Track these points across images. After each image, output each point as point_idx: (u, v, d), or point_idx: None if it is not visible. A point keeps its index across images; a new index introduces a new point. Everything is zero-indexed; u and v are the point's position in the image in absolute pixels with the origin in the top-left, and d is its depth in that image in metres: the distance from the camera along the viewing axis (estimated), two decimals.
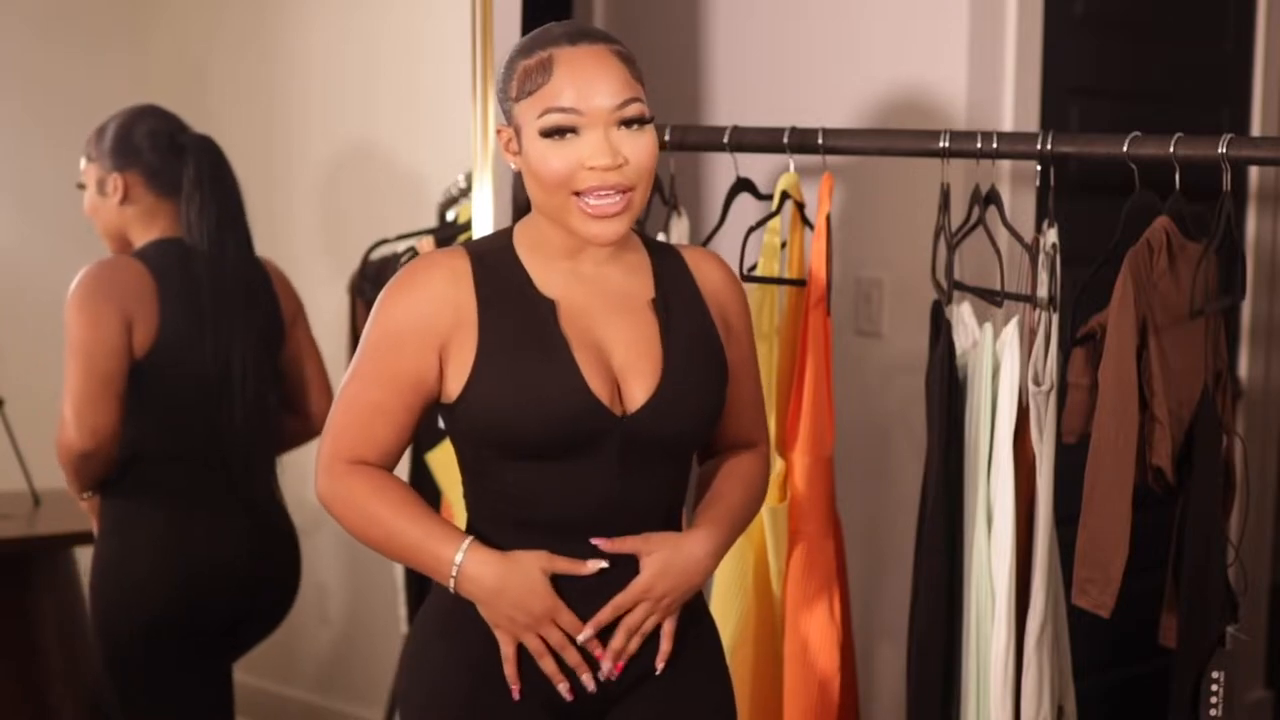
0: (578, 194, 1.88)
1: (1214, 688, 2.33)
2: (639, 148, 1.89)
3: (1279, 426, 3.96)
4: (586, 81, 1.88)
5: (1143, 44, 3.56)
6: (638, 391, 1.94)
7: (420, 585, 3.17)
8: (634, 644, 1.94)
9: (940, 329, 2.43)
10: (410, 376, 1.93)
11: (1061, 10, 3.28)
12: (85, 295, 2.70)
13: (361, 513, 1.95)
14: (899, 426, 3.10)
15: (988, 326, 2.42)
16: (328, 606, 3.12)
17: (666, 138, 2.75)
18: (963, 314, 2.49)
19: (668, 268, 2.04)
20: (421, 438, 3.13)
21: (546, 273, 1.96)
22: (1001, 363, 2.38)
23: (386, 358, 1.93)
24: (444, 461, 3.02)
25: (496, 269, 1.96)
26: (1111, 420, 2.31)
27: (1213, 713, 2.33)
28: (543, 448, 1.91)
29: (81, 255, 2.86)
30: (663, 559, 1.93)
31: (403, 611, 3.29)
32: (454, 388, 1.92)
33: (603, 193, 1.88)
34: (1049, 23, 3.22)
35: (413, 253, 3.06)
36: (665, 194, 2.84)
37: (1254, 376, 3.85)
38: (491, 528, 1.95)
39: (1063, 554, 2.43)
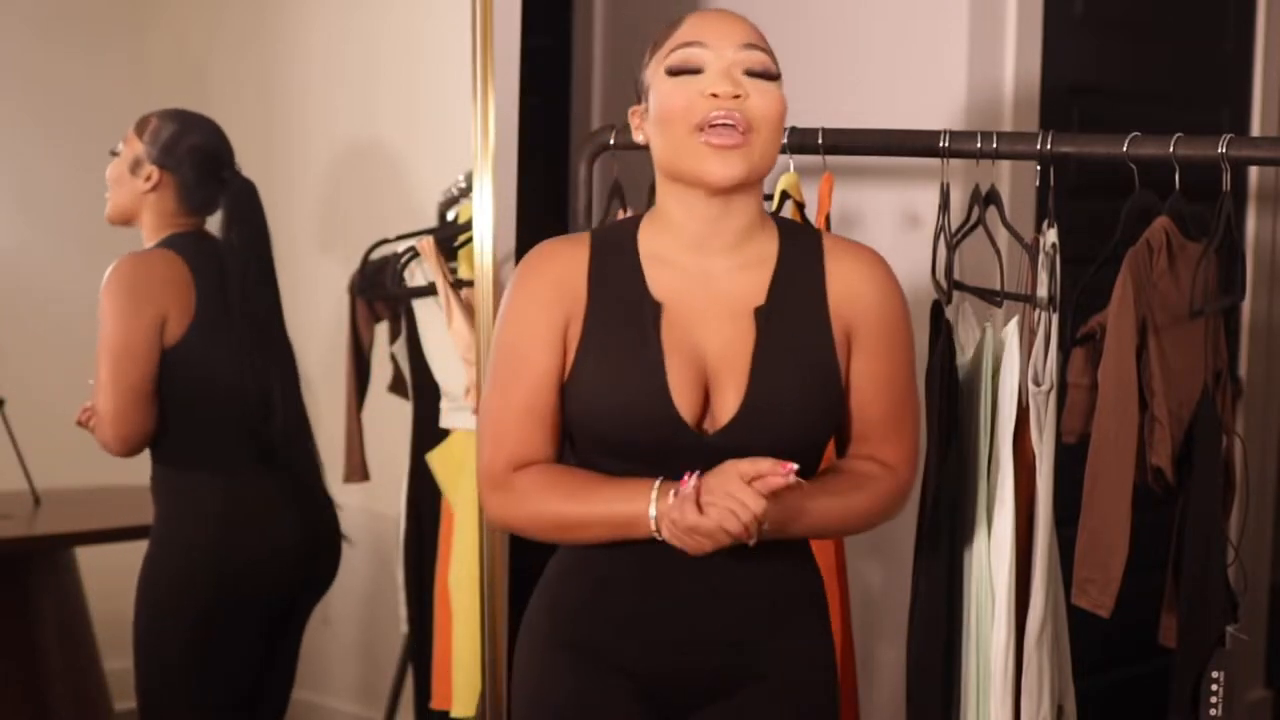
0: (698, 128, 1.86)
1: (1214, 688, 2.33)
2: (763, 94, 1.88)
3: (1279, 426, 3.96)
4: (714, 23, 1.90)
5: (1143, 44, 3.56)
6: (725, 407, 1.90)
7: (421, 586, 3.17)
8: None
9: (940, 329, 2.43)
10: (544, 371, 1.92)
11: (1061, 10, 3.28)
12: (121, 294, 2.75)
13: (541, 511, 1.91)
14: None
15: (988, 326, 2.42)
16: (328, 607, 3.12)
17: None
18: (963, 314, 2.49)
19: (795, 264, 1.96)
20: (422, 438, 3.14)
21: (662, 268, 1.94)
22: (1001, 363, 2.38)
23: (517, 359, 1.92)
24: (444, 461, 3.02)
25: (614, 261, 1.95)
26: (1111, 420, 2.31)
27: (1213, 713, 2.33)
28: (625, 452, 1.90)
29: (82, 255, 2.87)
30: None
31: (403, 611, 3.28)
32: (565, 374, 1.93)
33: (723, 123, 1.85)
34: (1049, 23, 3.22)
35: (413, 253, 3.06)
36: None
37: (1254, 376, 3.85)
38: None
39: (1063, 554, 2.43)
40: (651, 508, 1.84)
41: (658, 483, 1.85)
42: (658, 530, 1.85)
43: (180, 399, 2.78)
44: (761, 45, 1.91)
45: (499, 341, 1.95)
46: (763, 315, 1.92)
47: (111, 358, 2.73)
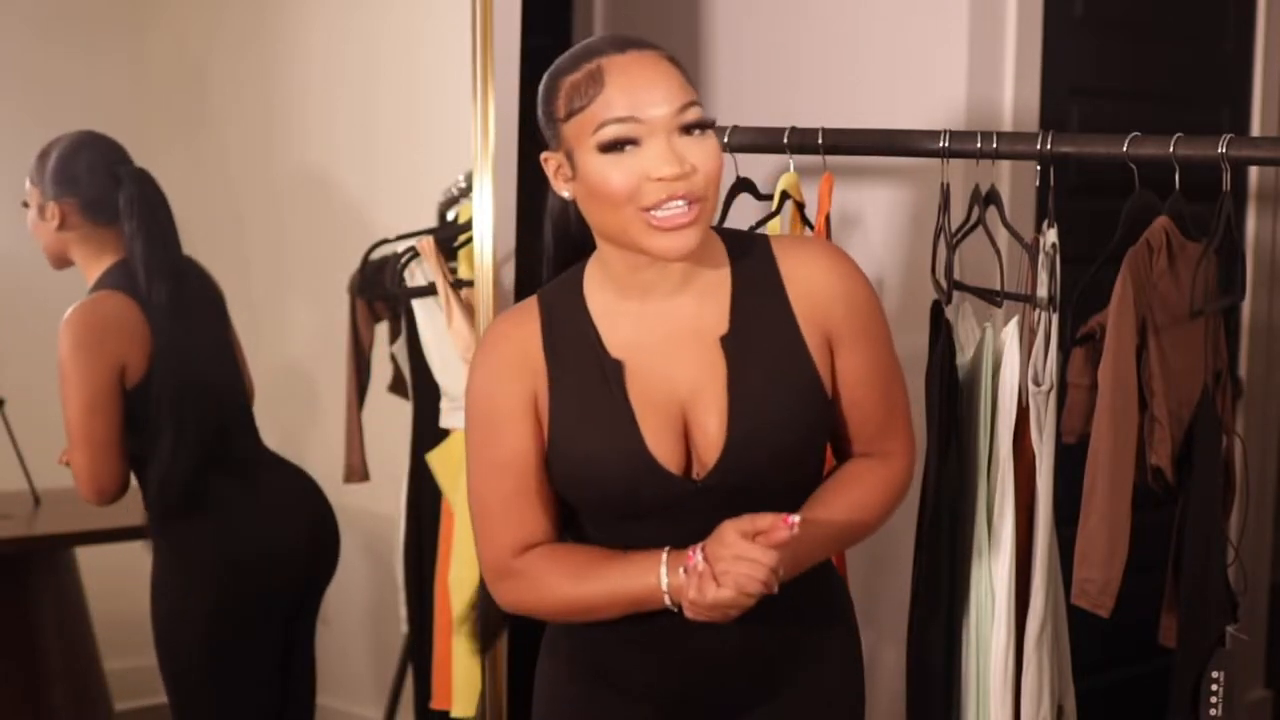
0: (646, 210, 1.75)
1: (1214, 688, 2.33)
2: (705, 154, 1.76)
3: (1279, 426, 3.96)
4: (642, 88, 1.74)
5: (1143, 44, 3.56)
6: (710, 445, 1.85)
7: (421, 586, 3.17)
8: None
9: (940, 329, 2.43)
10: (522, 453, 1.87)
11: (1061, 10, 3.28)
12: (78, 350, 2.72)
13: (553, 596, 1.87)
14: None
15: (988, 326, 2.42)
16: (328, 607, 3.12)
17: None
18: (963, 314, 2.49)
19: (751, 281, 1.88)
20: (422, 438, 3.14)
21: (615, 320, 1.86)
22: (1001, 363, 2.38)
23: (492, 447, 1.88)
24: (444, 461, 3.02)
25: (565, 324, 1.88)
26: (1111, 420, 2.31)
27: (1213, 713, 2.33)
28: (626, 514, 1.86)
29: None
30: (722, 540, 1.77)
31: (403, 611, 3.28)
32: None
33: (672, 204, 1.74)
34: (1049, 23, 3.22)
35: (413, 253, 3.06)
36: None
37: (1254, 376, 3.85)
38: None
39: (1063, 554, 2.43)
40: (663, 581, 1.80)
41: (665, 555, 1.81)
42: (674, 606, 1.80)
43: (151, 433, 2.77)
44: (693, 96, 1.77)
45: (471, 434, 1.90)
46: (730, 342, 1.85)
47: (79, 416, 2.71)
